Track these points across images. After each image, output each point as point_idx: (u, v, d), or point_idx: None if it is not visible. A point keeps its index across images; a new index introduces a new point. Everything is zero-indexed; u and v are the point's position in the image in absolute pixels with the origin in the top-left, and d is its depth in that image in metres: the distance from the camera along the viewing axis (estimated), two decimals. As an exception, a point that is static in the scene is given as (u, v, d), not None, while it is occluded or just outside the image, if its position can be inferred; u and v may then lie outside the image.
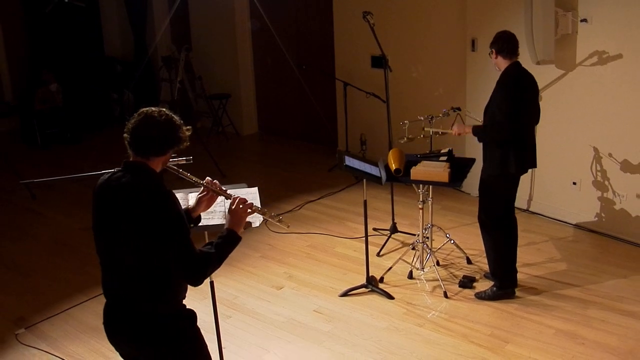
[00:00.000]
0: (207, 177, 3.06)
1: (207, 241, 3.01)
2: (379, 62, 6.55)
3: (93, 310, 4.90)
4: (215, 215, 3.55)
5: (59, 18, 9.41)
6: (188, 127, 2.81)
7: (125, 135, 2.74)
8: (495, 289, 4.77)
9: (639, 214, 5.53)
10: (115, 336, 2.90)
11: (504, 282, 4.75)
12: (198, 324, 2.95)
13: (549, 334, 4.38)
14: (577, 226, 5.95)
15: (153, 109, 2.74)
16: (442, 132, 5.08)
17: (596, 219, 5.84)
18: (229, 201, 2.93)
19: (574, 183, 5.93)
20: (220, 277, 5.23)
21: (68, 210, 6.91)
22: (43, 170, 7.98)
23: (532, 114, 4.65)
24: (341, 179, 7.28)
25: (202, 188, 3.04)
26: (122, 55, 10.60)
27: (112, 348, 4.31)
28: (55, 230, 6.46)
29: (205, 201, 3.06)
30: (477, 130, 4.66)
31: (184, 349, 2.86)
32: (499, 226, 4.71)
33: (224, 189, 3.07)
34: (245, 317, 4.78)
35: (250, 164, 8.49)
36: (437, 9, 6.83)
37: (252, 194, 3.66)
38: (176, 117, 2.77)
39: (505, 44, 4.51)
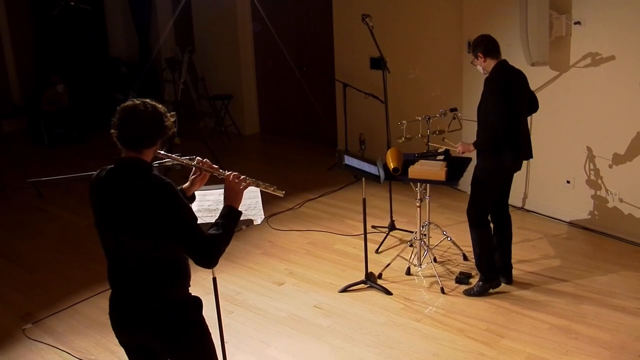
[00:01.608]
0: (197, 157, 3.01)
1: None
2: (378, 63, 6.56)
3: (98, 305, 4.91)
4: (217, 213, 3.55)
5: (65, 21, 9.41)
6: (172, 112, 2.78)
7: (112, 131, 2.68)
8: (481, 283, 4.76)
9: (631, 212, 5.53)
10: (122, 326, 2.88)
11: (488, 275, 4.74)
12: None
13: (543, 328, 4.38)
14: (571, 224, 5.95)
15: (136, 101, 2.67)
16: (446, 147, 5.07)
17: (589, 216, 5.83)
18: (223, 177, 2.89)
19: (568, 182, 5.93)
20: (223, 274, 5.23)
21: (74, 208, 6.91)
22: (50, 169, 7.98)
23: (524, 106, 4.63)
24: (341, 178, 7.27)
25: (194, 169, 3.00)
26: (126, 57, 10.60)
27: (118, 342, 4.31)
28: (61, 228, 6.46)
29: (199, 180, 3.02)
30: (476, 142, 4.63)
31: (190, 335, 2.85)
32: (486, 223, 4.69)
33: (216, 166, 3.00)
34: (247, 313, 4.78)
35: (252, 163, 8.49)
36: (434, 12, 6.83)
37: (253, 192, 3.66)
38: (159, 105, 2.71)
39: (490, 44, 4.51)
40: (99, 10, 10.14)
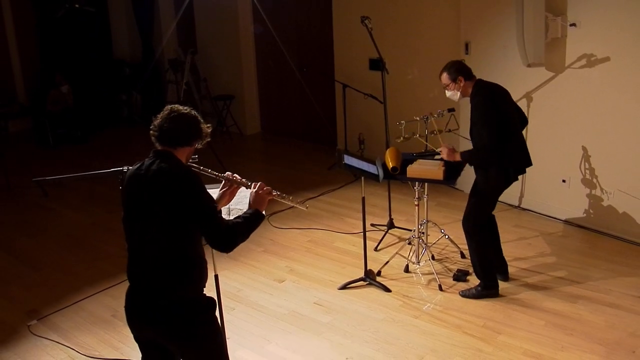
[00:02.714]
0: (227, 172, 3.18)
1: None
2: (377, 64, 6.55)
3: (102, 302, 4.90)
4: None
5: (70, 23, 9.41)
6: (208, 124, 2.95)
7: (151, 131, 2.85)
8: (480, 288, 4.74)
9: (626, 210, 5.53)
10: (134, 320, 2.89)
11: (487, 283, 4.73)
12: None
13: (539, 325, 4.38)
14: (567, 222, 5.94)
15: (179, 106, 2.88)
16: (433, 149, 5.04)
17: (585, 215, 5.83)
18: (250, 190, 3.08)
19: (564, 180, 5.92)
20: (225, 271, 5.22)
21: (78, 207, 6.91)
22: (54, 169, 7.99)
23: (515, 120, 4.55)
24: (340, 177, 7.27)
25: (224, 182, 3.16)
26: (130, 58, 10.59)
27: (122, 339, 4.32)
28: (66, 226, 6.46)
29: (228, 194, 3.17)
30: (465, 156, 4.58)
31: (199, 334, 2.86)
32: (482, 230, 4.67)
33: (244, 180, 3.17)
34: (248, 309, 4.78)
35: (253, 162, 8.49)
36: (432, 14, 6.83)
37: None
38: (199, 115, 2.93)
39: (465, 68, 4.49)
40: (103, 13, 10.14)
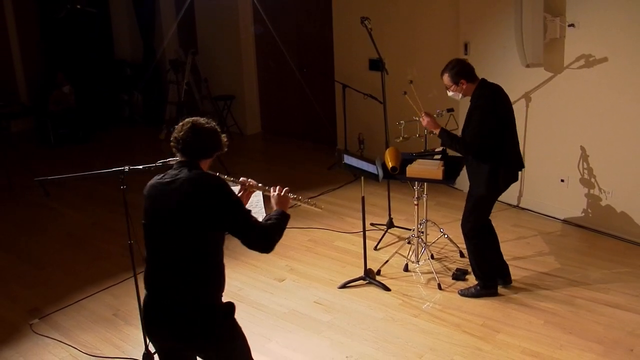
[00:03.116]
0: (242, 177, 3.25)
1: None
2: (376, 65, 6.55)
3: (104, 301, 4.90)
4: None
5: (72, 24, 9.41)
6: (224, 134, 3.00)
7: (172, 143, 2.88)
8: (479, 288, 4.73)
9: (624, 209, 5.53)
10: (159, 330, 2.88)
11: (487, 283, 4.72)
12: None
13: (538, 324, 4.38)
14: (565, 221, 5.94)
15: (200, 119, 2.90)
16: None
17: (583, 214, 5.83)
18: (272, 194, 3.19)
19: (562, 180, 5.92)
20: (226, 270, 5.22)
21: (80, 206, 6.91)
22: (56, 168, 7.99)
23: (512, 117, 4.51)
24: (340, 177, 7.27)
25: (240, 187, 3.23)
26: (131, 59, 10.59)
27: (123, 337, 4.31)
28: (67, 225, 6.45)
29: (244, 198, 3.24)
30: (444, 135, 4.53)
31: (228, 337, 2.89)
32: (480, 233, 4.66)
33: (259, 184, 3.26)
34: (249, 308, 4.78)
35: (254, 162, 8.48)
36: (431, 15, 6.82)
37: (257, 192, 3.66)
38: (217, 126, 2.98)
39: (468, 69, 4.42)
40: (105, 13, 10.13)
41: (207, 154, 2.91)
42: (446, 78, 4.49)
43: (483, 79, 4.47)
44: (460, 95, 4.51)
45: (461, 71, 4.42)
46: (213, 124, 2.94)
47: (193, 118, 2.92)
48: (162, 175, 2.89)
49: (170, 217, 2.78)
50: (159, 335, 2.90)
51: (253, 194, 3.35)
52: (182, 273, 2.79)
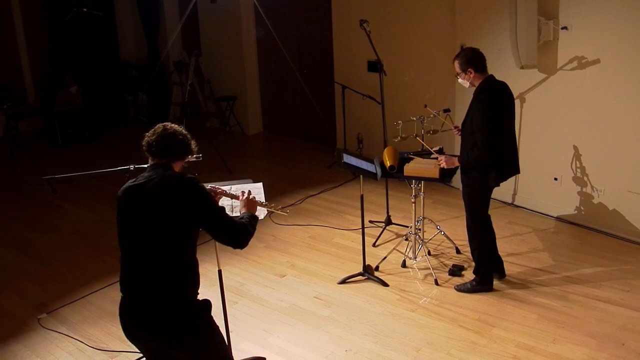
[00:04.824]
0: (209, 185, 3.34)
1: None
2: (375, 66, 6.55)
3: (110, 296, 4.90)
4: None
5: (79, 26, 9.39)
6: (193, 140, 3.08)
7: (144, 147, 2.93)
8: (474, 283, 4.73)
9: (616, 207, 5.52)
10: (137, 331, 2.88)
11: (483, 279, 4.72)
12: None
13: (532, 318, 4.38)
14: (558, 219, 5.94)
15: (170, 123, 3.00)
16: (432, 152, 4.98)
17: (576, 212, 5.83)
18: (238, 197, 3.28)
19: (555, 179, 5.92)
20: (228, 266, 5.22)
21: (86, 204, 6.91)
22: (63, 167, 7.98)
23: (513, 119, 4.52)
24: (340, 175, 7.27)
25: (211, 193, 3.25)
26: (136, 60, 10.58)
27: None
28: (74, 222, 6.45)
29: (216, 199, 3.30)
30: (463, 161, 4.49)
31: (205, 332, 2.88)
32: (484, 227, 4.66)
33: (225, 190, 3.36)
34: (250, 303, 4.78)
35: (255, 161, 8.47)
36: (428, 18, 6.81)
37: (257, 189, 3.66)
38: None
39: (481, 60, 4.38)
40: (110, 16, 10.11)
41: (179, 156, 2.96)
42: (456, 64, 4.46)
43: (491, 75, 4.42)
44: (468, 83, 4.47)
45: (471, 60, 4.38)
46: (182, 128, 3.02)
47: (164, 123, 3.00)
48: (135, 178, 2.91)
49: (146, 215, 2.79)
50: (139, 337, 2.89)
51: (253, 184, 3.45)
52: (158, 272, 2.79)
